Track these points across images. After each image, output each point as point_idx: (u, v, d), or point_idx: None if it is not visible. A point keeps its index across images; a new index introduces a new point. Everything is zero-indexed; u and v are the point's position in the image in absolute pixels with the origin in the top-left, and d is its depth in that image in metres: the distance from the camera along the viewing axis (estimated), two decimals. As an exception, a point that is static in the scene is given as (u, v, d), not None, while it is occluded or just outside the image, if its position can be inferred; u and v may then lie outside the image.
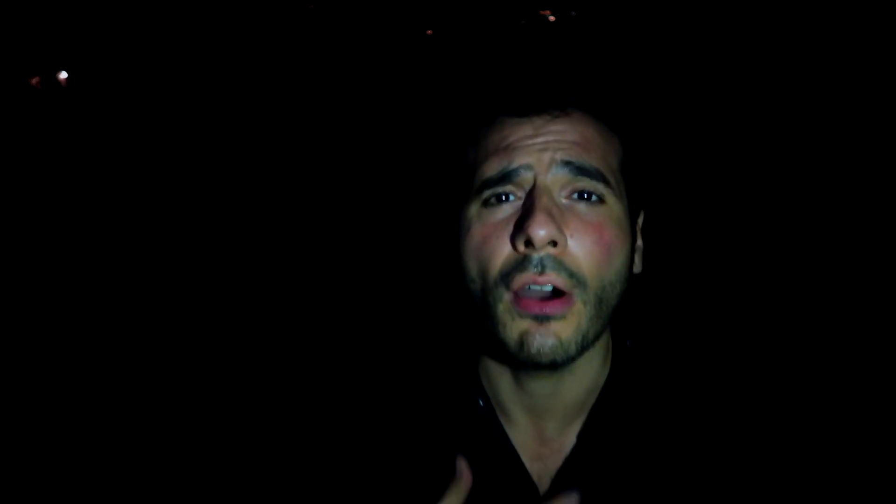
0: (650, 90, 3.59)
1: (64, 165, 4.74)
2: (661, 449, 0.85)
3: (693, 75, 4.27)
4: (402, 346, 0.92)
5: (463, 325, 0.90)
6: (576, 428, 0.86)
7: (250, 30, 5.53)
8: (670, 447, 0.85)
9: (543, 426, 0.85)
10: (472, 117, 0.83)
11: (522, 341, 0.75)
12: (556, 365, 0.77)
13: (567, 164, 0.76)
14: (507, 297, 0.76)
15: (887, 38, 3.91)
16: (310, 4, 5.47)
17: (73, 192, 4.37)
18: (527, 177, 0.77)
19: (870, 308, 2.53)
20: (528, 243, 0.73)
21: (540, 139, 0.77)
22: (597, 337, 0.79)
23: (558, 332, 0.74)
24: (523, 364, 0.78)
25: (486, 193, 0.78)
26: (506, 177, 0.77)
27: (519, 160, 0.77)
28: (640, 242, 0.86)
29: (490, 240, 0.77)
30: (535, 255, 0.74)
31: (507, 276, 0.76)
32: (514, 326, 0.76)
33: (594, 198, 0.77)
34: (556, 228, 0.73)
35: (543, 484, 0.85)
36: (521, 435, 0.86)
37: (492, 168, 0.77)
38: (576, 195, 0.77)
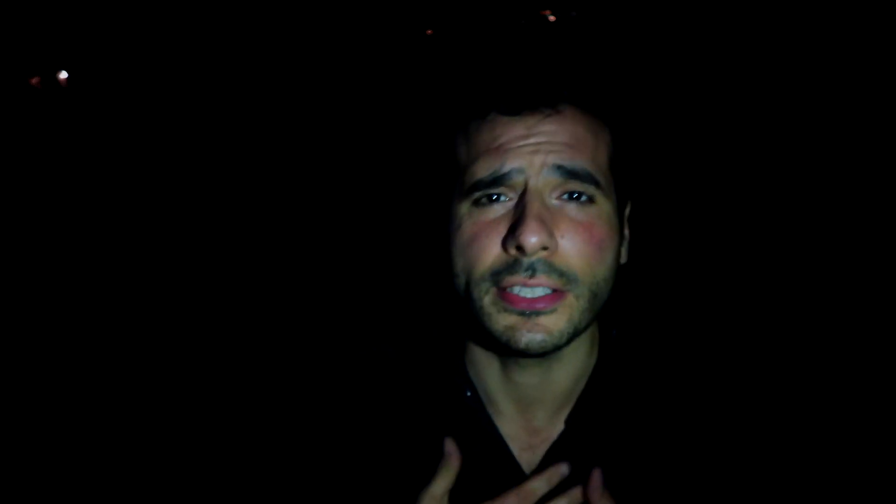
0: (639, 84, 3.64)
1: (64, 165, 4.75)
2: (649, 436, 0.85)
3: (679, 68, 4.34)
4: (390, 336, 0.92)
5: (450, 317, 0.90)
6: (564, 416, 0.86)
7: (246, 29, 5.54)
8: (658, 434, 0.85)
9: (532, 415, 0.86)
10: (465, 114, 0.83)
11: (509, 335, 0.76)
12: (545, 355, 0.78)
13: (558, 167, 0.76)
14: (493, 289, 0.76)
15: (861, 33, 4.03)
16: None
17: (73, 191, 4.39)
18: (518, 180, 0.76)
19: (850, 297, 2.58)
20: (520, 248, 0.74)
21: (532, 140, 0.77)
22: (586, 327, 0.80)
23: (548, 325, 0.75)
24: (511, 353, 0.79)
25: (478, 194, 0.78)
26: (498, 179, 0.77)
27: (511, 163, 0.76)
28: (626, 232, 0.87)
29: (480, 238, 0.77)
30: (526, 260, 0.74)
31: (496, 275, 0.76)
32: (499, 318, 0.76)
33: (584, 198, 0.78)
34: (548, 234, 0.74)
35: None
36: (509, 425, 0.86)
37: (483, 169, 0.77)
38: (566, 196, 0.77)
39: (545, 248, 0.74)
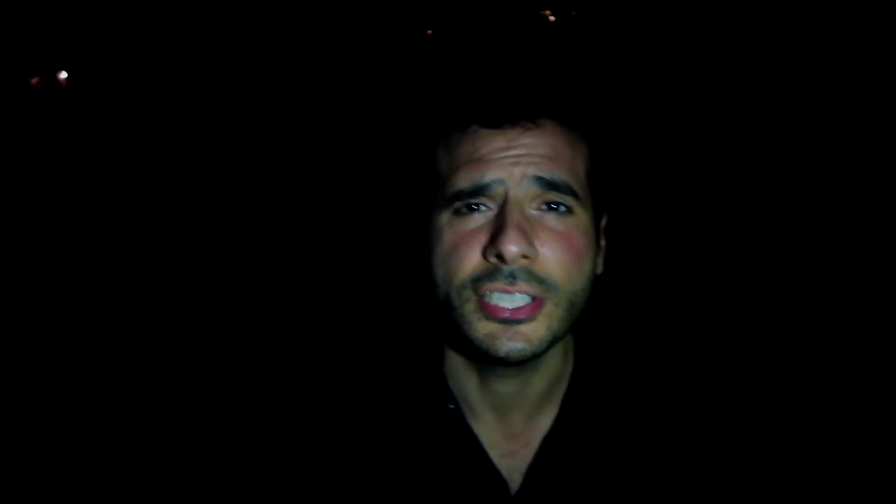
0: (617, 101, 3.75)
1: (64, 165, 4.76)
2: (631, 439, 0.88)
3: (656, 86, 4.46)
4: (368, 348, 0.93)
5: (428, 327, 0.91)
6: (541, 421, 0.88)
7: (239, 34, 5.56)
8: (639, 437, 0.88)
9: (510, 421, 0.87)
10: (446, 126, 0.84)
11: (489, 343, 0.77)
12: (523, 363, 0.79)
13: (538, 178, 0.78)
14: (474, 298, 0.77)
15: (835, 38, 4.15)
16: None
17: (73, 191, 4.40)
18: (499, 190, 0.77)
19: (817, 298, 2.68)
20: (500, 257, 0.75)
21: (512, 152, 0.79)
22: (564, 335, 0.82)
23: (528, 333, 0.76)
24: (490, 362, 0.80)
25: (458, 204, 0.78)
26: (478, 190, 0.78)
27: (491, 174, 0.77)
28: (602, 243, 0.89)
29: (460, 247, 0.78)
30: (506, 268, 0.75)
31: (476, 282, 0.77)
32: (480, 327, 0.76)
33: (563, 209, 0.79)
34: (528, 243, 0.75)
35: (514, 480, 0.86)
36: (489, 432, 0.87)
37: (464, 180, 0.78)
38: (545, 206, 0.79)
39: (525, 257, 0.76)
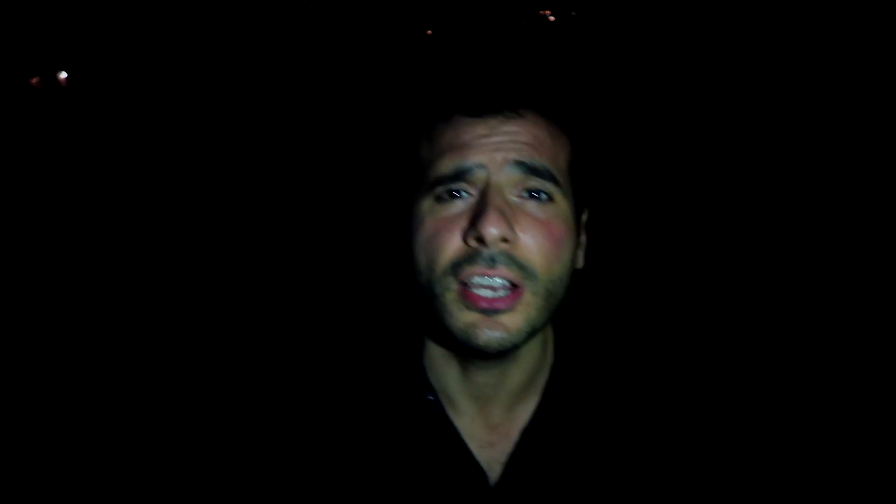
0: (599, 94, 3.82)
1: (64, 165, 4.78)
2: (610, 431, 0.88)
3: (635, 81, 4.53)
4: (346, 340, 0.94)
5: (408, 318, 0.92)
6: (520, 412, 0.88)
7: (235, 29, 5.58)
8: (618, 429, 0.88)
9: (489, 412, 0.87)
10: (429, 115, 0.85)
11: (469, 333, 0.77)
12: (503, 354, 0.79)
13: (519, 163, 0.78)
14: (455, 286, 0.77)
15: (809, 36, 4.28)
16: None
17: (73, 191, 4.42)
18: (480, 175, 0.78)
19: (794, 293, 2.75)
20: (480, 240, 0.75)
21: (493, 139, 0.79)
22: (543, 326, 0.82)
23: (507, 323, 0.76)
24: (470, 352, 0.80)
25: (440, 189, 0.79)
26: (459, 174, 0.78)
27: (473, 159, 0.78)
28: (583, 239, 0.89)
29: (441, 233, 0.78)
30: (486, 251, 0.75)
31: (456, 266, 0.76)
32: (461, 317, 0.76)
33: (544, 196, 0.79)
34: (508, 226, 0.75)
35: (493, 471, 0.86)
36: (467, 423, 0.88)
37: (446, 165, 0.79)
38: (526, 193, 0.79)
39: (505, 241, 0.76)
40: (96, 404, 2.40)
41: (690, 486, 0.88)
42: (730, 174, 3.72)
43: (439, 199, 0.80)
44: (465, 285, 0.77)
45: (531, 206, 0.79)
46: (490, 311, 0.76)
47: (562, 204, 0.81)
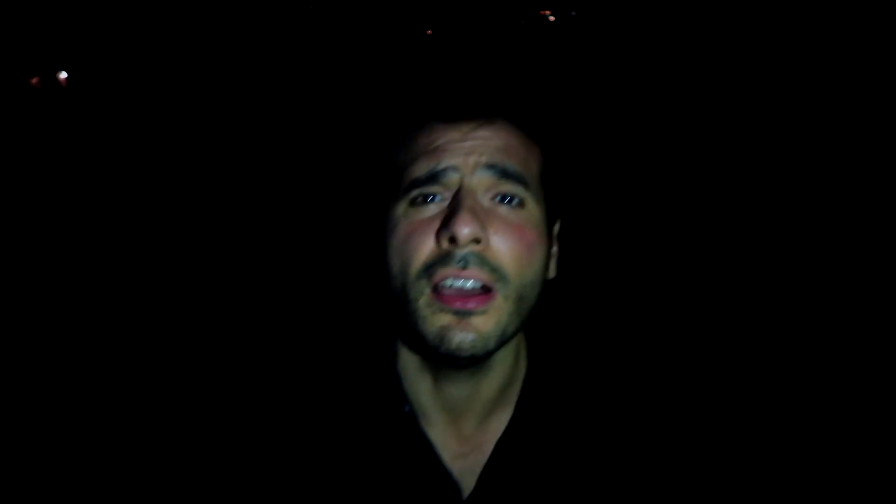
0: (571, 106, 3.88)
1: (64, 165, 4.79)
2: (583, 442, 0.89)
3: (606, 93, 4.58)
4: (319, 348, 0.95)
5: (382, 326, 0.92)
6: (493, 424, 0.89)
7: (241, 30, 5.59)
8: (591, 440, 0.89)
9: (462, 424, 0.88)
10: (404, 121, 0.87)
11: (442, 336, 0.76)
12: (475, 359, 0.80)
13: (491, 167, 0.80)
14: (428, 290, 0.77)
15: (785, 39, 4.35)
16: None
17: (73, 191, 4.43)
18: (453, 178, 0.79)
19: (753, 305, 2.80)
20: (452, 240, 0.76)
21: (467, 143, 0.81)
22: (514, 333, 0.82)
23: (479, 326, 0.77)
24: (443, 359, 0.81)
25: (414, 193, 0.80)
26: (433, 177, 0.79)
27: (446, 161, 0.79)
28: (555, 249, 0.90)
29: (415, 235, 0.79)
30: (459, 252, 0.77)
31: (429, 268, 0.77)
32: (434, 320, 0.77)
33: (515, 201, 0.81)
34: (480, 227, 0.76)
35: (466, 482, 0.87)
36: (440, 435, 0.88)
37: (420, 168, 0.80)
38: (498, 198, 0.80)
39: (477, 241, 0.77)
40: (72, 404, 2.41)
41: (663, 495, 0.89)
42: (700, 186, 3.80)
43: (413, 203, 0.81)
44: (437, 289, 0.78)
45: (503, 209, 0.80)
46: (462, 311, 0.77)
47: (533, 210, 0.82)
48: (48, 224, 4.04)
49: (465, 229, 0.75)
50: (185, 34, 5.65)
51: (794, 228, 3.33)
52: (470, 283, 0.77)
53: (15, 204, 4.18)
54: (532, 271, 0.81)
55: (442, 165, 0.80)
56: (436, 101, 0.85)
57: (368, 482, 0.85)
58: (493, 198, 0.81)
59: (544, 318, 0.87)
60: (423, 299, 0.78)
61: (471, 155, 0.80)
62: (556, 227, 0.91)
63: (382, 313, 0.90)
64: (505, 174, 0.80)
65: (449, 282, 0.77)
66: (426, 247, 0.79)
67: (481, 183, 0.80)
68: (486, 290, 0.78)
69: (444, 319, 0.77)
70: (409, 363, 0.89)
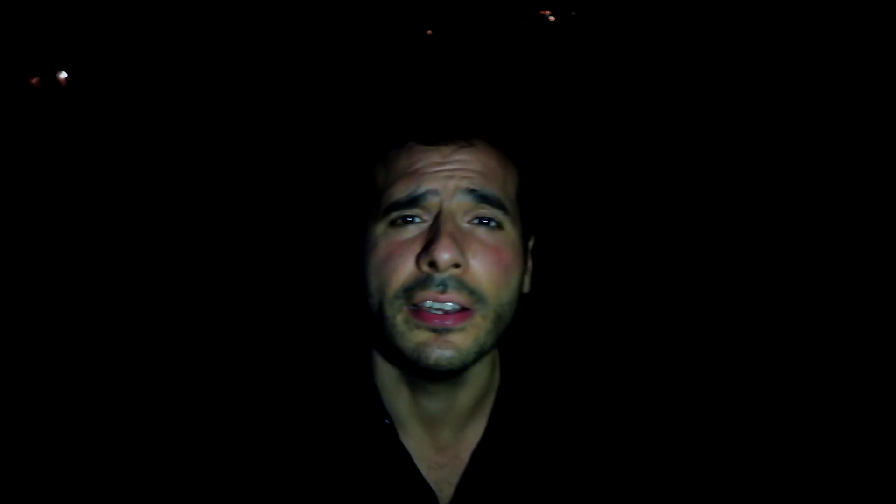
0: (547, 127, 3.92)
1: (64, 165, 4.81)
2: (557, 450, 0.92)
3: (583, 115, 4.60)
4: (300, 361, 0.97)
5: (360, 339, 0.94)
6: (469, 434, 0.92)
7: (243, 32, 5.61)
8: (564, 449, 0.92)
9: (438, 435, 0.90)
10: (384, 143, 0.89)
11: (420, 351, 0.78)
12: (452, 373, 0.82)
13: (471, 191, 0.82)
14: (406, 308, 0.79)
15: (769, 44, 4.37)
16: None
17: (73, 191, 4.45)
18: (433, 201, 0.81)
19: (728, 320, 2.83)
20: (433, 265, 0.78)
21: (447, 167, 0.83)
22: (491, 348, 0.86)
23: (457, 342, 0.79)
24: (421, 373, 0.83)
25: (394, 215, 0.81)
26: (413, 200, 0.81)
27: (426, 185, 0.81)
28: (530, 264, 0.93)
29: (394, 257, 0.80)
30: (438, 276, 0.79)
31: (409, 291, 0.79)
32: (412, 336, 0.79)
33: (493, 223, 0.83)
34: (459, 252, 0.79)
35: (444, 492, 0.89)
36: (417, 445, 0.90)
37: (400, 191, 0.82)
38: (477, 220, 0.83)
39: (457, 266, 0.79)
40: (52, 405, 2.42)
41: (636, 502, 0.93)
42: (674, 196, 3.85)
43: (393, 224, 0.83)
44: (416, 307, 0.80)
45: (481, 232, 0.83)
46: (441, 328, 0.79)
47: (510, 231, 0.85)
48: (48, 224, 4.06)
49: (445, 255, 0.77)
50: (185, 34, 5.66)
51: (775, 242, 3.37)
52: (449, 306, 0.80)
53: (15, 204, 4.21)
54: (509, 291, 0.84)
55: (422, 189, 0.82)
56: (416, 124, 0.87)
57: (348, 494, 0.87)
58: (471, 220, 0.83)
59: (517, 331, 0.90)
60: (400, 316, 0.80)
61: (451, 179, 0.82)
62: (531, 243, 0.94)
63: (359, 327, 0.93)
64: (484, 199, 0.83)
65: (428, 304, 0.79)
66: (405, 269, 0.80)
67: (461, 206, 0.82)
68: (464, 310, 0.80)
69: (422, 336, 0.79)
70: (386, 376, 0.91)
